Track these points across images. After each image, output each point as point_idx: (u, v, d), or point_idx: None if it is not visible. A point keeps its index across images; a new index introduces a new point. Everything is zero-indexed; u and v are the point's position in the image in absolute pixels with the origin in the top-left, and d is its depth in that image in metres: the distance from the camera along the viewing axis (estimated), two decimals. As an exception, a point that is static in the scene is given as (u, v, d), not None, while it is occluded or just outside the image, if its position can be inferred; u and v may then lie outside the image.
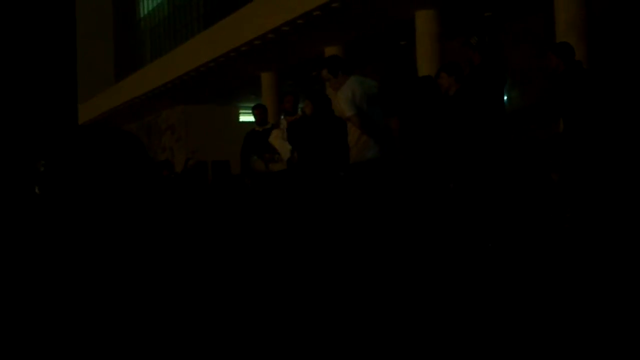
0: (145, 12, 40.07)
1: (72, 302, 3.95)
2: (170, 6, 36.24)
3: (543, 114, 7.27)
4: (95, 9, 44.06)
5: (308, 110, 7.48)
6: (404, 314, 3.56)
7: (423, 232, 5.81)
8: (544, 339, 2.95)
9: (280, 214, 7.62)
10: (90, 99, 36.46)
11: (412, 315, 3.51)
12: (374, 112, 6.21)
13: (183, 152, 30.75)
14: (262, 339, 3.13)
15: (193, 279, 4.79)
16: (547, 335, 3.01)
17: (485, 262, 5.13)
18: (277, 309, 3.76)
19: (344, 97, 6.11)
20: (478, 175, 6.08)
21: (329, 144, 6.88)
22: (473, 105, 6.21)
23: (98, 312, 3.70)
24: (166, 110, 34.22)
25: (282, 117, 8.90)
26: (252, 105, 10.17)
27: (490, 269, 4.86)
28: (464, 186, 6.14)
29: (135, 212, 4.35)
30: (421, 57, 17.85)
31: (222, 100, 31.36)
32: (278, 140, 8.57)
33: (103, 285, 4.33)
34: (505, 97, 6.52)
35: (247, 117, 33.51)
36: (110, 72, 43.90)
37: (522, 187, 6.21)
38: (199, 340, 3.12)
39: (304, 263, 5.41)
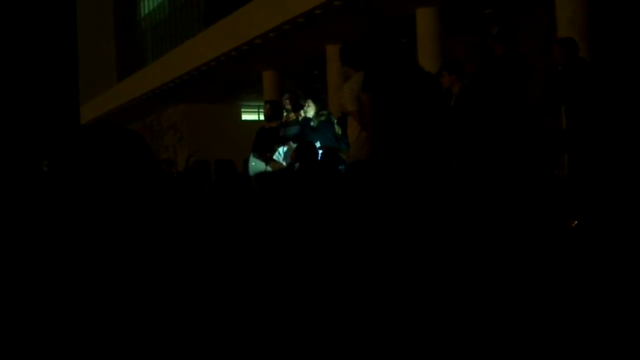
0: (146, 11, 40.06)
1: (73, 302, 3.96)
2: (170, 6, 36.24)
3: (544, 109, 7.24)
4: (95, 9, 44.07)
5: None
6: (403, 314, 3.57)
7: (422, 233, 5.79)
8: (540, 339, 2.96)
9: (278, 213, 7.63)
10: (92, 99, 36.47)
11: (411, 315, 3.52)
12: None
13: (185, 151, 30.76)
14: (262, 339, 3.14)
15: (195, 278, 4.80)
16: (544, 336, 3.02)
17: (486, 262, 5.13)
18: (277, 309, 3.77)
19: (348, 91, 6.09)
20: (490, 172, 6.04)
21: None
22: (494, 99, 6.10)
23: (99, 312, 3.71)
24: (168, 109, 34.24)
25: (285, 114, 9.11)
26: (254, 103, 10.28)
27: (490, 268, 4.87)
28: (470, 182, 6.12)
29: (139, 210, 4.36)
30: (422, 55, 17.83)
31: (224, 99, 31.34)
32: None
33: (105, 285, 4.34)
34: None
35: (249, 116, 33.49)
36: (112, 72, 43.88)
37: (525, 185, 6.19)
38: (199, 341, 3.13)
39: (301, 264, 5.42)
